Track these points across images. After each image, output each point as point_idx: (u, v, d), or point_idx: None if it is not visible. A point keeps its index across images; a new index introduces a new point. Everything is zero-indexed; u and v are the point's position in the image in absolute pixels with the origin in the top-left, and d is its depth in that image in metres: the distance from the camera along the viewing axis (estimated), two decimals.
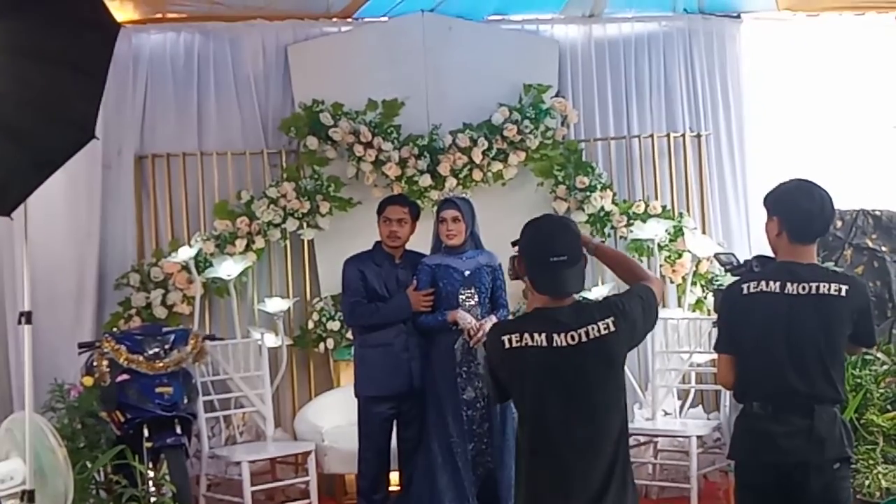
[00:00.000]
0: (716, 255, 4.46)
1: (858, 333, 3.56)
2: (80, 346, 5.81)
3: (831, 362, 3.48)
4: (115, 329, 6.31)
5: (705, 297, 6.83)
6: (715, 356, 6.10)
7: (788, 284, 3.49)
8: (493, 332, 3.27)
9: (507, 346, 3.14)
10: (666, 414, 6.59)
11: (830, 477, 3.44)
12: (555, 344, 3.09)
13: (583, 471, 3.09)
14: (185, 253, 6.58)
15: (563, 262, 3.12)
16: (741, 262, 4.01)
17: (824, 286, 3.48)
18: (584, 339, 3.09)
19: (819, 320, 3.47)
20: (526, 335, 3.12)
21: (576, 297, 3.24)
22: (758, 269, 3.76)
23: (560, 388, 3.11)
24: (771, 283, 3.52)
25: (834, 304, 3.48)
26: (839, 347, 3.53)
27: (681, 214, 7.00)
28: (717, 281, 6.68)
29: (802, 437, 3.42)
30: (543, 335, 3.10)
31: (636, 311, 3.19)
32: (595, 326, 3.10)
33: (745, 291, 3.57)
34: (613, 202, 6.97)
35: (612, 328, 3.11)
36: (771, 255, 3.71)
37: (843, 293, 3.48)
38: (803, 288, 3.48)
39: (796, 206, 3.54)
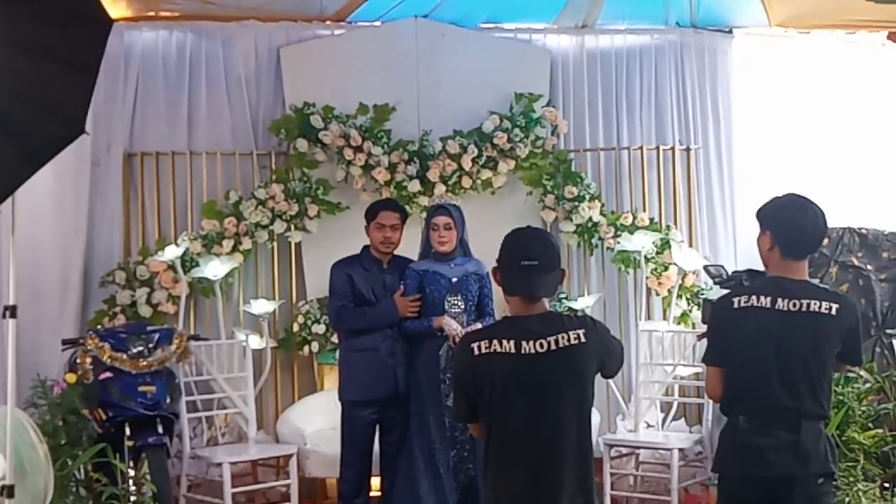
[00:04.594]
0: (705, 268, 4.46)
1: (846, 352, 3.57)
2: (64, 342, 5.80)
3: (819, 379, 3.49)
4: (99, 326, 6.29)
5: (690, 311, 6.84)
6: (699, 369, 6.19)
7: (779, 300, 3.50)
8: (463, 341, 3.31)
9: (476, 352, 3.17)
10: (648, 426, 6.60)
11: (814, 492, 3.45)
12: (523, 351, 3.13)
13: (548, 479, 3.13)
14: (172, 252, 6.55)
15: (534, 267, 3.15)
16: (730, 274, 4.02)
17: (815, 304, 3.49)
18: (552, 347, 3.12)
19: (809, 337, 3.48)
20: (495, 342, 3.16)
21: (548, 307, 3.28)
22: (747, 282, 3.77)
23: (526, 395, 3.14)
24: (762, 298, 3.52)
25: (824, 322, 3.48)
26: (827, 365, 3.54)
27: (668, 227, 7.02)
28: (703, 294, 6.69)
29: (788, 452, 3.43)
30: (512, 342, 3.14)
31: (609, 338, 3.31)
32: (565, 335, 3.14)
33: (735, 305, 3.57)
34: (601, 213, 6.97)
35: (583, 339, 3.15)
36: (761, 268, 3.72)
37: (833, 312, 3.48)
38: (794, 304, 3.49)
39: (789, 222, 3.54)
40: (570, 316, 3.36)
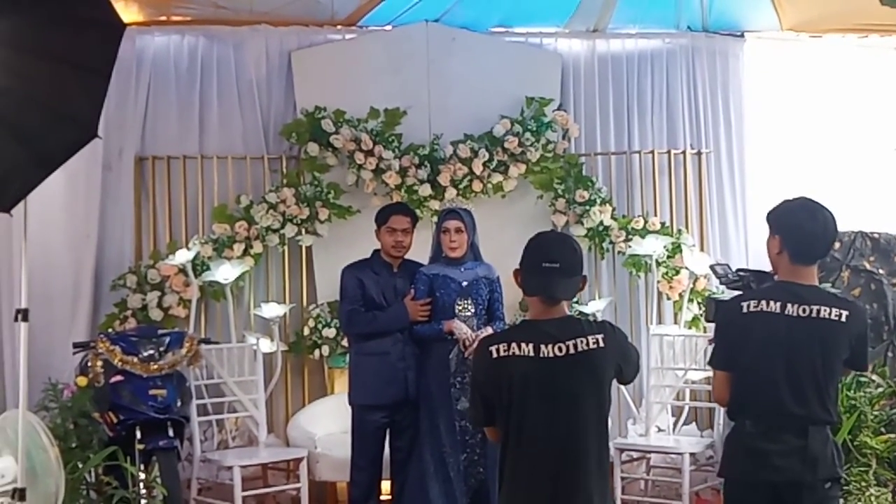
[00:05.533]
0: (711, 267, 4.44)
1: (853, 358, 3.56)
2: (75, 345, 5.81)
3: (826, 385, 3.48)
4: (110, 330, 6.30)
5: (702, 315, 6.81)
6: (710, 373, 6.14)
7: (789, 305, 3.48)
8: (482, 345, 3.33)
9: (494, 355, 3.19)
10: (659, 430, 6.59)
11: (822, 496, 3.44)
12: (542, 354, 3.15)
13: (564, 483, 3.15)
14: (183, 256, 6.57)
15: (555, 269, 3.17)
16: (736, 272, 3.99)
17: (825, 310, 3.47)
18: (571, 351, 3.15)
19: (818, 343, 3.46)
20: (514, 345, 3.18)
21: (568, 312, 3.30)
22: (754, 284, 3.76)
23: (544, 398, 3.16)
24: (771, 303, 3.50)
25: (834, 329, 3.47)
26: (835, 371, 3.53)
27: (679, 231, 7.00)
28: (713, 297, 6.66)
29: (797, 457, 3.42)
30: (531, 345, 3.16)
31: (627, 344, 3.34)
32: (584, 340, 3.16)
33: (744, 310, 3.55)
34: (612, 217, 6.96)
35: (601, 344, 3.17)
36: (768, 269, 3.71)
37: (843, 318, 3.46)
38: (804, 310, 3.47)
39: (799, 227, 3.52)
40: (588, 320, 3.37)
